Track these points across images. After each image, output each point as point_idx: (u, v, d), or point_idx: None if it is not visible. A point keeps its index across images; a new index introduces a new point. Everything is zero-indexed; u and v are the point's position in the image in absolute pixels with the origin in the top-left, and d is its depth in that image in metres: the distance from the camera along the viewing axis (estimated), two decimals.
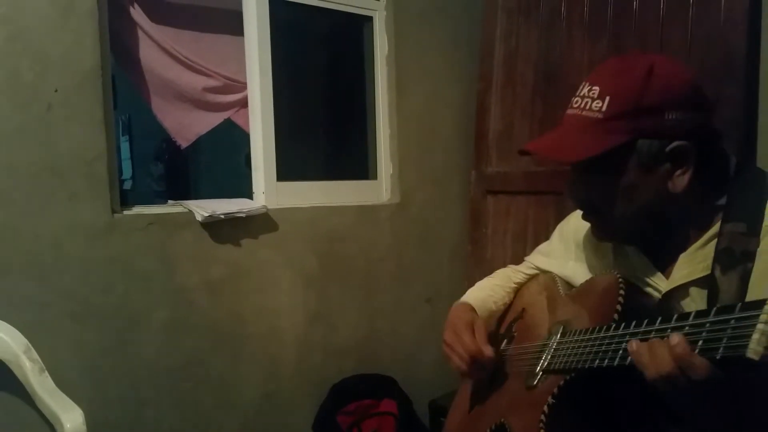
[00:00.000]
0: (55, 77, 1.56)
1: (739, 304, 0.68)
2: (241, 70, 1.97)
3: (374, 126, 2.25)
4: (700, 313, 0.73)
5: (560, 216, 1.37)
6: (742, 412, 0.77)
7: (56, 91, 1.56)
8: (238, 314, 1.92)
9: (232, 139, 2.99)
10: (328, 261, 2.10)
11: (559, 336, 1.05)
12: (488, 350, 1.13)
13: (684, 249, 0.94)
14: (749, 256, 0.84)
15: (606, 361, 0.85)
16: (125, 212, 1.72)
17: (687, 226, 0.95)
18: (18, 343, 1.49)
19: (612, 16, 1.87)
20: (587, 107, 0.92)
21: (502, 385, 1.17)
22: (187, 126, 1.97)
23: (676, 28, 1.69)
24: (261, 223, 1.94)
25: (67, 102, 1.58)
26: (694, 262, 0.92)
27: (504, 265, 1.45)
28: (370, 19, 2.22)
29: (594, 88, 0.92)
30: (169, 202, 1.92)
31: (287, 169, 2.03)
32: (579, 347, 0.94)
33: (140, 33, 1.82)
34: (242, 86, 2.00)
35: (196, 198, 1.97)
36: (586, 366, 0.89)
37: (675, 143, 0.87)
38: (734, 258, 0.85)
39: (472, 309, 1.26)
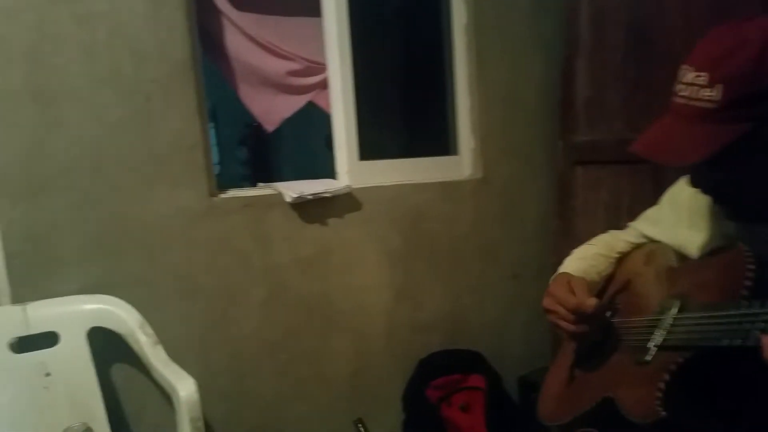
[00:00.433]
0: (152, 69, 1.73)
1: None
2: (321, 52, 2.08)
3: (454, 100, 2.30)
4: None
5: (657, 187, 1.34)
6: None
7: (153, 82, 1.73)
8: (327, 291, 2.06)
9: (311, 122, 3.14)
10: (412, 238, 2.19)
11: (676, 310, 1.02)
12: (590, 301, 1.10)
13: None
14: None
15: (734, 341, 0.81)
16: (221, 195, 1.89)
17: None
18: (133, 319, 1.69)
19: None
20: (696, 96, 0.86)
21: (608, 358, 1.15)
22: (272, 110, 2.11)
23: None
24: (345, 202, 2.06)
25: (164, 93, 1.75)
26: None
27: None
28: None
29: (701, 74, 0.85)
30: (259, 184, 2.08)
31: (369, 148, 2.13)
32: (702, 325, 0.91)
33: (225, 21, 1.97)
34: (322, 68, 2.11)
35: (278, 180, 2.11)
36: (711, 345, 0.87)
37: None
38: None
39: (572, 276, 1.22)
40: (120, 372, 1.78)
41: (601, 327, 1.18)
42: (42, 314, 1.64)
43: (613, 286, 1.30)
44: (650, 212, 1.30)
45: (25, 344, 1.62)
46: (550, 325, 1.19)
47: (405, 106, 2.38)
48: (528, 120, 2.39)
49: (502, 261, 2.37)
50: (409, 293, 2.20)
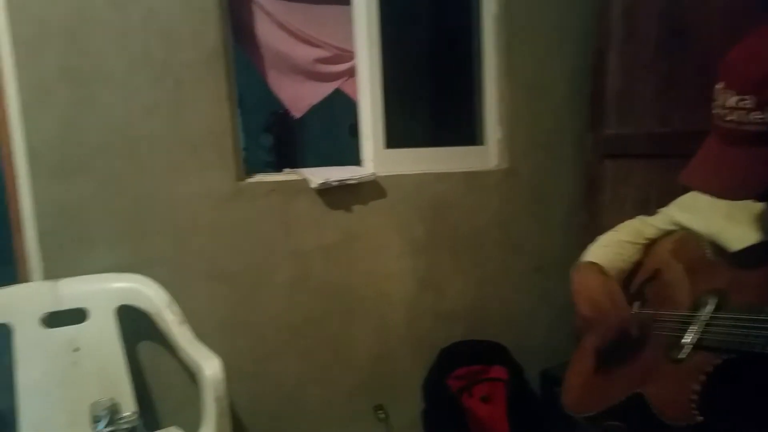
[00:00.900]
0: (184, 54, 1.80)
1: None
2: (349, 39, 2.12)
3: (482, 90, 2.33)
4: None
5: None
6: None
7: (185, 67, 1.80)
8: (350, 277, 2.12)
9: (336, 109, 3.18)
10: (436, 227, 2.23)
11: (712, 308, 1.00)
12: (636, 329, 1.09)
13: None
14: None
15: None
16: (248, 180, 1.96)
17: None
18: (161, 298, 1.76)
19: None
20: (746, 120, 0.83)
21: (638, 350, 1.14)
22: (300, 97, 2.16)
23: None
24: (370, 189, 2.11)
25: (196, 78, 1.81)
26: None
27: None
28: None
29: (746, 97, 0.83)
30: (285, 170, 2.13)
31: (395, 136, 2.17)
32: (741, 327, 0.89)
33: (256, 8, 2.02)
34: (351, 55, 2.15)
35: (302, 167, 2.16)
36: (754, 350, 0.85)
37: None
38: None
39: (602, 271, 1.21)
40: (147, 350, 1.86)
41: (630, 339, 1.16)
42: (72, 291, 1.72)
43: (641, 275, 1.27)
44: (684, 198, 1.27)
45: (55, 320, 1.70)
46: (577, 321, 1.19)
47: (432, 95, 2.42)
48: (556, 112, 2.41)
49: (526, 253, 2.40)
50: (431, 282, 2.24)
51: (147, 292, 1.76)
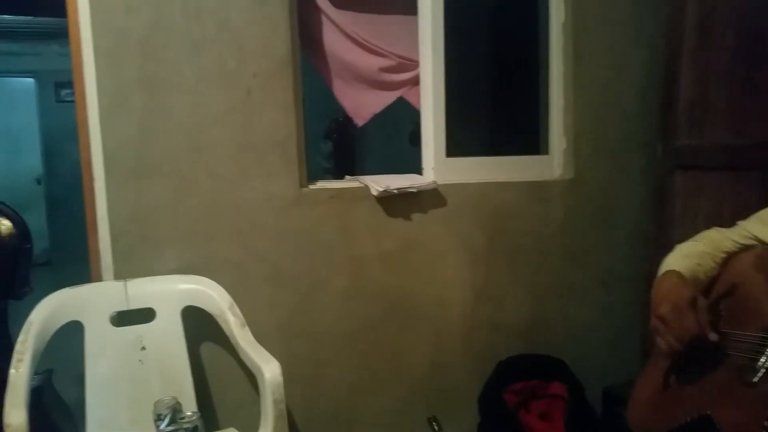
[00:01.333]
0: (254, 64, 1.88)
1: None
2: (414, 49, 2.16)
3: (547, 98, 2.32)
4: None
5: (765, 195, 1.31)
6: None
7: (254, 76, 1.88)
8: (408, 286, 2.14)
9: (395, 117, 3.23)
10: (496, 237, 2.23)
11: None
12: (714, 336, 1.08)
13: None
14: None
15: None
16: (311, 187, 2.02)
17: None
18: (223, 300, 1.83)
19: None
20: None
21: (710, 370, 1.12)
22: (363, 105, 2.22)
23: None
24: (430, 198, 2.13)
25: (264, 86, 1.89)
26: None
27: None
28: None
29: None
30: (346, 177, 2.18)
31: (456, 145, 2.19)
32: None
33: (323, 18, 2.09)
34: (414, 64, 2.19)
35: (360, 174, 2.21)
36: None
37: None
38: None
39: (682, 278, 1.20)
40: (208, 351, 1.94)
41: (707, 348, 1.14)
42: (141, 291, 1.81)
43: (717, 289, 1.26)
44: (764, 212, 1.26)
45: (124, 319, 1.79)
46: (652, 329, 1.17)
47: (495, 104, 2.43)
48: (625, 121, 2.37)
49: (590, 266, 2.37)
50: (490, 293, 2.24)
51: (211, 294, 1.84)
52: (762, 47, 1.95)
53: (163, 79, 1.80)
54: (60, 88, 6.96)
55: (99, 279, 1.85)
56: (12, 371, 1.50)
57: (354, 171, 3.09)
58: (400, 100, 2.29)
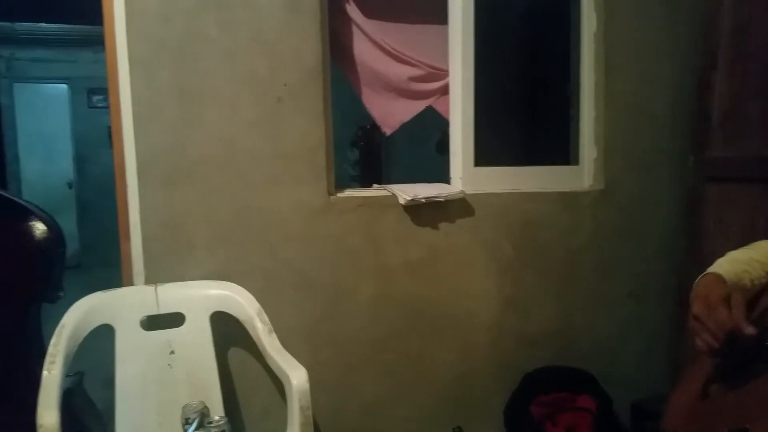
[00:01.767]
0: (284, 73, 1.91)
1: None
2: (443, 58, 2.17)
3: (578, 108, 2.31)
4: None
5: None
6: None
7: (285, 85, 1.90)
8: (435, 295, 2.14)
9: (422, 126, 3.24)
10: (524, 248, 2.22)
11: None
12: (749, 328, 1.06)
13: None
14: None
15: None
16: (338, 195, 2.03)
17: None
18: (252, 306, 1.84)
19: None
20: None
21: (752, 381, 1.10)
22: (391, 114, 2.23)
23: None
24: (458, 207, 2.13)
25: (294, 95, 1.92)
26: None
27: None
28: None
29: None
30: (374, 186, 2.19)
31: (485, 154, 2.19)
32: None
33: (354, 28, 2.11)
34: (444, 74, 2.19)
35: (386, 183, 2.22)
36: None
37: None
38: None
39: (724, 282, 1.19)
40: (236, 356, 1.96)
41: (749, 345, 1.11)
42: (171, 296, 1.84)
43: (765, 301, 1.23)
44: None
45: (154, 322, 1.82)
46: (691, 332, 1.16)
47: (525, 113, 2.42)
48: (656, 132, 2.35)
49: (619, 278, 2.35)
50: (517, 304, 2.23)
51: (240, 300, 1.85)
52: None
53: (196, 88, 1.84)
54: (92, 95, 7.13)
55: (130, 283, 1.88)
56: (45, 373, 1.53)
57: (380, 179, 3.10)
58: (427, 109, 2.30)
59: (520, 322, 2.24)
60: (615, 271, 2.34)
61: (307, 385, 1.66)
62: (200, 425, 1.65)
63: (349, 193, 2.08)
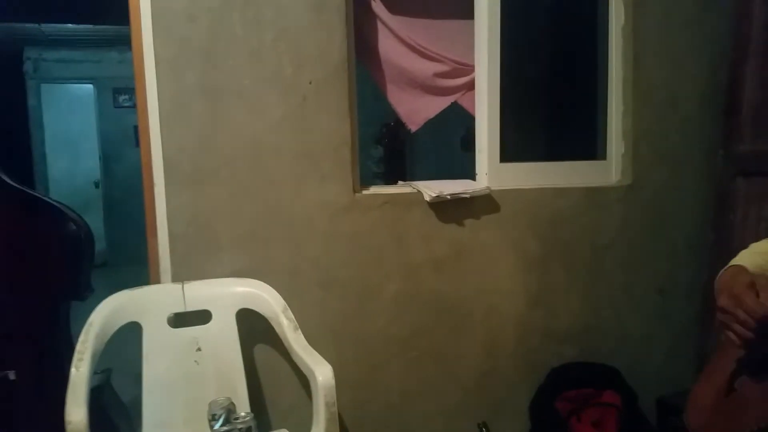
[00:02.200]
0: (310, 71, 1.89)
1: None
2: (469, 53, 2.14)
3: (605, 103, 2.27)
4: None
5: None
6: None
7: (310, 83, 1.89)
8: (460, 292, 2.12)
9: (447, 122, 3.22)
10: (551, 244, 2.19)
11: None
12: None
13: None
14: None
15: None
16: (363, 192, 2.02)
17: None
18: (277, 303, 1.84)
19: None
20: None
21: None
22: (417, 111, 2.20)
23: None
24: (483, 203, 2.11)
25: (319, 93, 1.90)
26: None
27: None
28: None
29: None
30: (399, 183, 2.18)
31: (511, 150, 2.16)
32: None
33: (379, 25, 2.09)
34: (470, 69, 2.17)
35: (410, 180, 2.20)
36: None
37: None
38: None
39: (747, 271, 1.16)
40: (262, 353, 1.96)
41: None
42: (198, 293, 1.84)
43: None
44: None
45: (181, 320, 1.82)
46: (719, 325, 1.13)
47: (552, 108, 2.39)
48: (685, 126, 2.30)
49: (647, 274, 2.31)
50: (543, 300, 2.20)
51: (266, 297, 1.85)
52: None
53: (221, 87, 1.83)
54: (118, 94, 7.21)
55: (157, 281, 1.89)
56: (73, 370, 1.54)
57: (404, 176, 3.09)
58: (452, 105, 2.27)
59: (546, 319, 2.22)
60: (642, 267, 2.30)
61: (332, 381, 1.65)
62: (226, 421, 1.66)
63: (374, 190, 2.06)
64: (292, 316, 1.82)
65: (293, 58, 1.87)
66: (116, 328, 1.72)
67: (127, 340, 1.78)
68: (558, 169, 2.23)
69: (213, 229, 1.88)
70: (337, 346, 1.99)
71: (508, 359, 2.20)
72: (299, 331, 1.81)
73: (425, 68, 2.14)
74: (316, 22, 1.88)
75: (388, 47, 2.11)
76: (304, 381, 1.84)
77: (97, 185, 7.47)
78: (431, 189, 2.01)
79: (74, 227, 1.95)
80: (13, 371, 1.87)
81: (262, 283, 1.87)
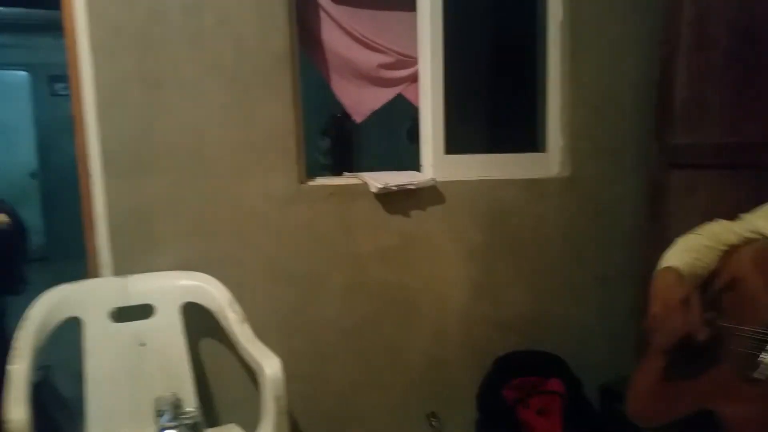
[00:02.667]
0: (253, 59, 1.86)
1: None
2: (413, 45, 2.14)
3: (545, 96, 2.31)
4: None
5: (758, 194, 1.31)
6: None
7: (253, 72, 1.85)
8: (407, 282, 2.13)
9: (393, 114, 3.22)
10: (495, 234, 2.22)
11: None
12: (704, 333, 1.08)
13: None
14: None
15: None
16: (309, 183, 2.00)
17: None
18: (223, 297, 1.81)
19: None
20: None
21: (710, 364, 1.12)
22: (362, 102, 2.20)
23: None
24: (429, 195, 2.12)
25: (263, 82, 1.87)
26: None
27: None
28: None
29: None
30: (345, 174, 2.16)
31: (455, 142, 2.18)
32: None
33: (322, 14, 2.07)
34: (413, 61, 2.17)
35: (357, 171, 2.19)
36: None
37: None
38: None
39: (679, 275, 1.20)
40: (208, 347, 1.92)
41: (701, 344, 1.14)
42: (140, 287, 1.79)
43: (718, 282, 1.25)
44: None
45: (123, 314, 1.77)
46: (648, 328, 1.18)
47: (493, 102, 2.42)
48: (621, 119, 2.37)
49: (587, 263, 2.37)
50: (489, 290, 2.24)
51: (211, 291, 1.82)
52: (756, 47, 1.95)
53: (161, 75, 1.78)
54: (54, 82, 6.89)
55: (96, 275, 1.82)
56: (10, 367, 1.48)
57: (351, 167, 3.08)
58: (398, 97, 2.27)
59: (492, 308, 2.25)
60: (583, 256, 2.36)
61: (281, 375, 1.64)
62: (173, 417, 1.62)
63: (320, 181, 2.05)
64: (239, 309, 1.80)
65: (235, 46, 1.84)
66: (56, 322, 1.66)
67: (63, 336, 1.71)
68: (501, 161, 2.26)
69: (155, 221, 1.83)
70: (285, 338, 1.97)
71: (455, 348, 2.22)
72: (246, 325, 1.78)
73: (369, 59, 2.14)
74: (257, 10, 1.84)
75: (331, 37, 2.09)
76: (252, 374, 1.82)
77: (33, 176, 7.14)
78: (377, 180, 2.01)
79: (5, 219, 1.86)
80: None
81: (207, 276, 1.84)
